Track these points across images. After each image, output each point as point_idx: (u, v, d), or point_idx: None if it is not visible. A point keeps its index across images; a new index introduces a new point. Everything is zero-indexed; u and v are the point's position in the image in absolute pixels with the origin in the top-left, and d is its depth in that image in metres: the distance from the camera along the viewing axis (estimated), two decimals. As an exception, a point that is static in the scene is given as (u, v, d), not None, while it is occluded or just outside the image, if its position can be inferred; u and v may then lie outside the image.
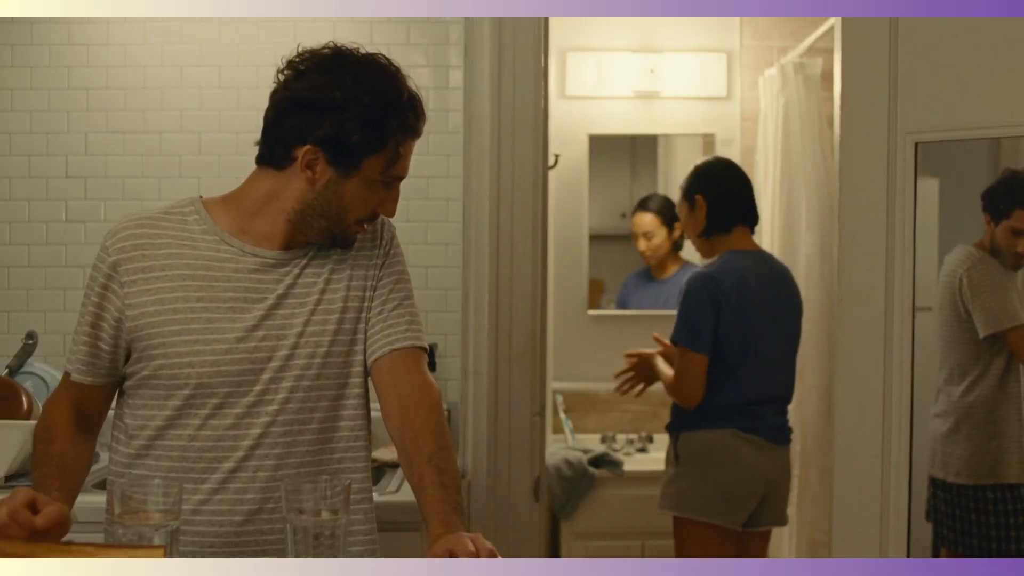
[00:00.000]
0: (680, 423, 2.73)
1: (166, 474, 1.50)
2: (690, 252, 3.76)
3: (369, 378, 1.60)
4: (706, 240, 2.81)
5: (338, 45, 1.51)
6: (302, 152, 1.48)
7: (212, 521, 1.49)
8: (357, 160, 1.48)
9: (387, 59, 1.52)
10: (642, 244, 3.77)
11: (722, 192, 2.79)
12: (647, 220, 3.75)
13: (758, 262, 2.78)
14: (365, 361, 1.58)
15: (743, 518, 2.67)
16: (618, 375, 2.92)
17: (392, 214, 1.58)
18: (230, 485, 1.50)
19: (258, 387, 1.50)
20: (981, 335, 2.51)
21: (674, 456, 2.72)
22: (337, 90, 1.46)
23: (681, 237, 3.78)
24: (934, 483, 2.67)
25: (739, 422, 2.67)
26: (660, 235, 3.75)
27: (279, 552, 1.48)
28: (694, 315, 2.66)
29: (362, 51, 1.52)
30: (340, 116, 1.46)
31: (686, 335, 2.67)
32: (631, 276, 3.90)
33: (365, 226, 1.57)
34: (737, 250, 2.76)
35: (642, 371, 2.89)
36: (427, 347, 1.61)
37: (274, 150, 1.52)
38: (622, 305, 3.87)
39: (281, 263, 1.55)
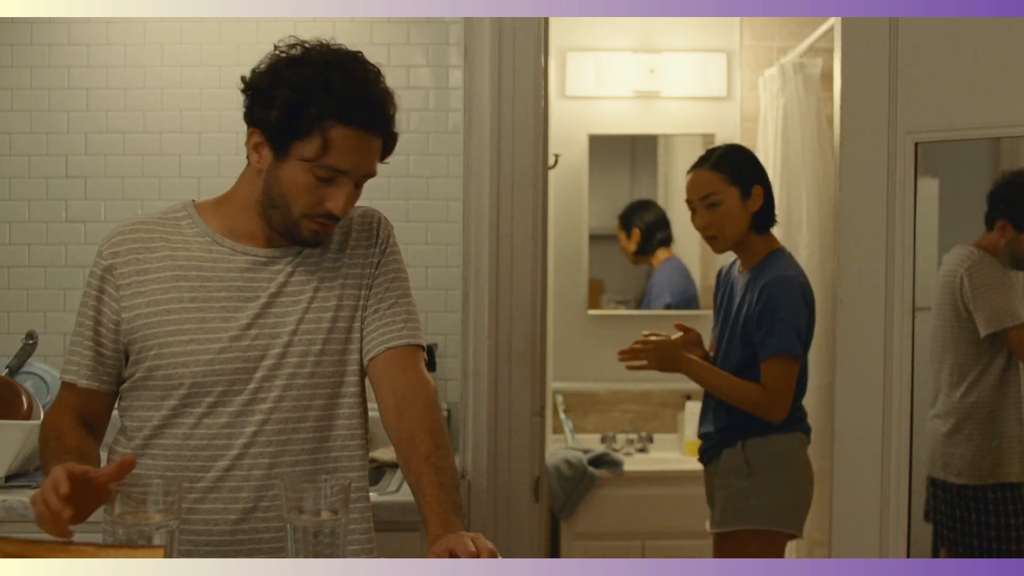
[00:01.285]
0: (743, 430, 2.50)
1: (162, 473, 1.50)
2: (686, 246, 3.77)
3: (367, 377, 1.60)
4: (757, 236, 2.53)
5: (318, 41, 1.50)
6: (249, 135, 1.50)
7: (207, 520, 1.49)
8: (286, 143, 1.47)
9: (351, 52, 1.50)
10: None
11: (769, 184, 2.58)
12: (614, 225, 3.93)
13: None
14: (361, 359, 1.58)
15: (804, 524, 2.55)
16: (629, 350, 2.56)
17: (339, 211, 1.49)
18: (225, 483, 1.50)
19: (252, 385, 1.51)
20: (982, 334, 2.51)
21: (745, 465, 2.49)
22: (272, 73, 1.48)
23: (646, 239, 3.81)
24: (934, 483, 2.67)
25: (802, 425, 2.54)
26: (621, 238, 3.89)
27: (274, 551, 1.48)
28: (800, 324, 2.43)
29: (335, 46, 1.50)
30: (268, 96, 1.47)
31: (798, 344, 2.42)
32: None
33: (322, 224, 1.51)
34: (780, 249, 2.57)
35: (662, 356, 2.53)
36: (424, 344, 1.61)
37: (245, 145, 1.54)
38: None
39: (273, 261, 1.55)
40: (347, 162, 1.47)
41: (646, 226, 3.84)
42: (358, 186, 1.52)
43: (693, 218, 2.58)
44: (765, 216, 2.55)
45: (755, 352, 2.48)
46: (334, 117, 1.44)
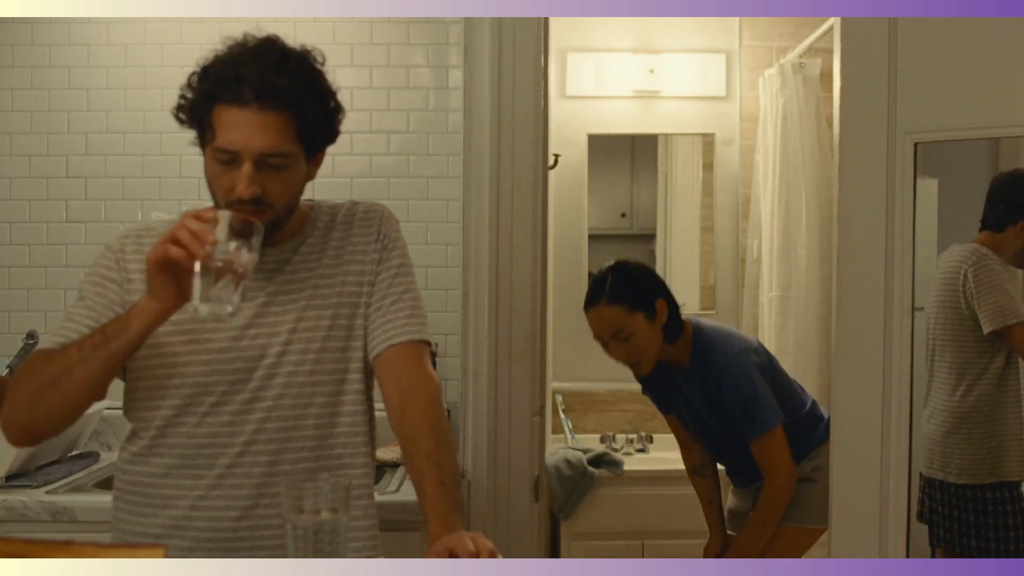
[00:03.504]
0: (804, 446, 2.57)
1: (167, 471, 1.50)
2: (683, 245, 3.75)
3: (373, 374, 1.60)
4: (670, 345, 2.53)
5: (244, 34, 1.53)
6: None
7: (209, 517, 1.50)
8: (200, 137, 1.50)
9: (262, 38, 1.51)
10: None
11: (669, 292, 2.56)
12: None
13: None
14: (366, 356, 1.58)
15: None
16: None
17: (242, 193, 1.43)
18: (226, 481, 1.50)
19: (252, 384, 1.51)
20: (986, 331, 2.51)
21: (810, 472, 2.55)
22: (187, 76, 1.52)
23: None
24: (930, 483, 2.67)
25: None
26: None
27: (277, 548, 1.48)
28: (767, 393, 2.47)
29: (259, 35, 1.52)
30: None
31: (776, 413, 2.46)
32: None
33: (249, 213, 1.44)
34: (695, 332, 2.55)
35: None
36: (429, 340, 1.60)
37: None
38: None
39: (269, 259, 1.55)
40: (231, 140, 1.43)
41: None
42: (273, 168, 1.44)
43: (607, 350, 2.55)
44: (673, 324, 2.52)
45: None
46: (213, 99, 1.45)
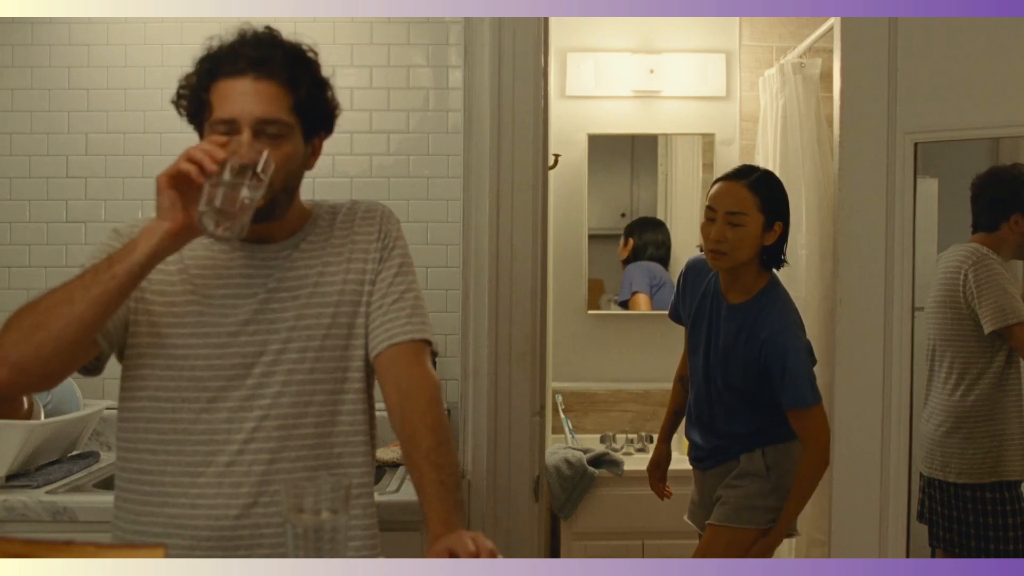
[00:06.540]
0: (764, 438, 2.53)
1: (163, 467, 1.50)
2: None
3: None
4: (755, 269, 2.52)
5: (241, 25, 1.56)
6: None
7: (208, 515, 1.50)
8: (199, 124, 1.53)
9: (255, 29, 1.55)
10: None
11: (788, 225, 2.54)
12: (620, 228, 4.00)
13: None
14: (366, 356, 1.58)
15: None
16: None
17: (243, 159, 1.41)
18: (225, 479, 1.50)
19: (250, 381, 1.51)
20: (987, 330, 2.51)
21: (765, 469, 2.52)
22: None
23: (636, 252, 3.87)
24: (931, 484, 2.67)
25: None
26: (620, 243, 3.93)
27: (276, 546, 1.48)
28: (811, 373, 2.43)
29: (264, 27, 1.57)
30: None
31: (818, 393, 2.41)
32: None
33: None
34: (772, 284, 2.53)
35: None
36: (430, 339, 1.60)
37: None
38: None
39: (272, 256, 1.55)
40: (228, 110, 1.46)
41: (642, 242, 3.88)
42: (271, 139, 1.46)
43: (708, 225, 2.50)
44: (772, 255, 2.51)
45: (757, 388, 2.48)
46: (211, 77, 1.48)
